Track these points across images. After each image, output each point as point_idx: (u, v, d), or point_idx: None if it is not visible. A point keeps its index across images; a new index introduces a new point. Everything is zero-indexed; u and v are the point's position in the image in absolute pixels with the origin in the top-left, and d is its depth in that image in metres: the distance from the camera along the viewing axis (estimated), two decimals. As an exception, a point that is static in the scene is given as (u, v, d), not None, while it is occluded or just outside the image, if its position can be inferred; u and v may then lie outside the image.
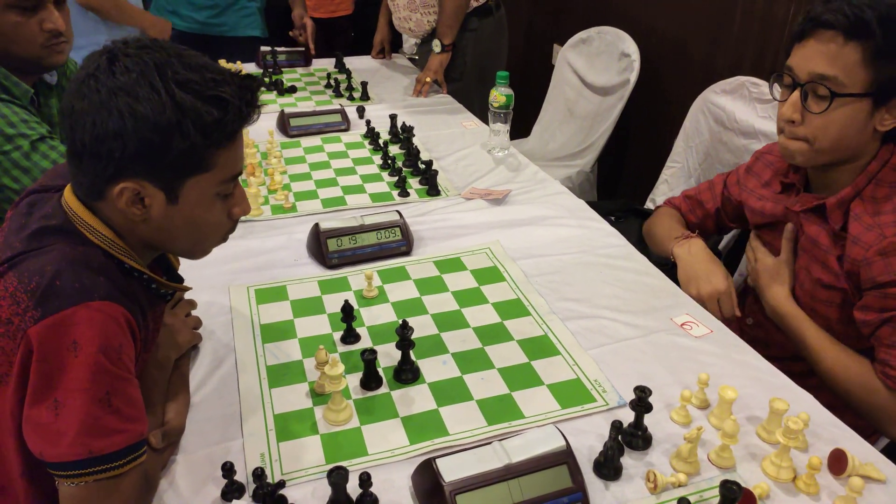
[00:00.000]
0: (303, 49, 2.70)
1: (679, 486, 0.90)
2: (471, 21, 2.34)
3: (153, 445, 0.88)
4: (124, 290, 0.82)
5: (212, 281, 1.30)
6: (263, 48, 2.59)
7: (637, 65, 2.50)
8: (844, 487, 0.88)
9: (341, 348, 1.15)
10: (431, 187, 1.68)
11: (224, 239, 0.94)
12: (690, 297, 1.29)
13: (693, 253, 1.35)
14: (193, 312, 1.16)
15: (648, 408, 0.95)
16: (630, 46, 2.55)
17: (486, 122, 2.12)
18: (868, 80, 1.07)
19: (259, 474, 0.85)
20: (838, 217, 1.16)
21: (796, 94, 1.13)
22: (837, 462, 0.92)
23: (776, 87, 1.19)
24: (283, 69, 2.57)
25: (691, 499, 0.84)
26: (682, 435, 0.95)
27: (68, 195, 0.85)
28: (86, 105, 0.77)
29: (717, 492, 0.86)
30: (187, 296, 1.15)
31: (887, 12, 1.05)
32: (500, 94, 1.82)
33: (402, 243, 1.41)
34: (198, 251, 0.93)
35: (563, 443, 0.88)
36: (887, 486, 0.91)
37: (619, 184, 2.99)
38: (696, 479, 0.92)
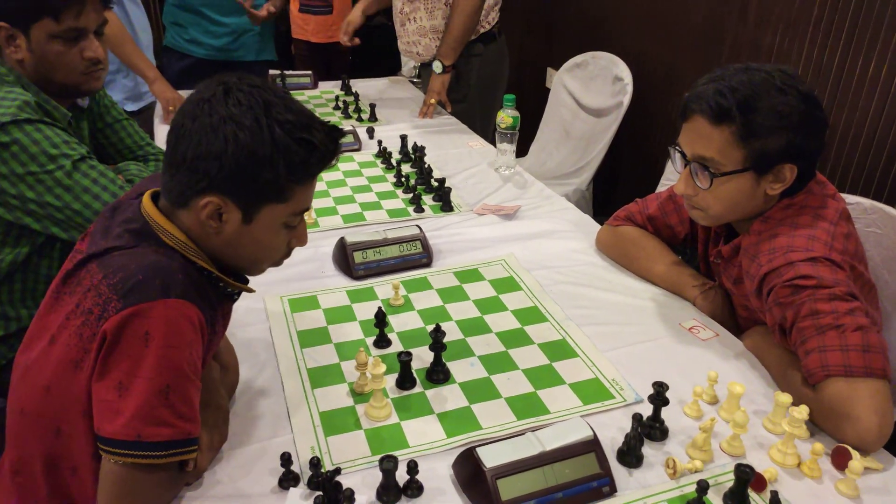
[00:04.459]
0: (309, 73, 2.80)
1: (696, 471, 0.99)
2: (476, 47, 2.45)
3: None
4: (199, 290, 0.91)
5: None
6: (272, 72, 2.69)
7: (630, 88, 2.63)
8: (845, 471, 0.97)
9: (375, 352, 1.23)
10: (445, 203, 1.77)
11: (278, 264, 1.03)
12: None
13: (720, 306, 1.36)
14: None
15: (666, 401, 1.04)
16: (623, 71, 2.67)
17: (490, 143, 2.23)
18: (742, 157, 1.16)
19: (315, 463, 0.92)
20: (736, 261, 1.27)
21: (687, 170, 1.24)
22: (841, 457, 1.00)
23: (676, 157, 1.26)
24: (291, 91, 2.66)
25: (709, 482, 0.92)
26: (697, 426, 1.04)
27: (146, 202, 0.94)
28: (196, 126, 0.87)
29: (730, 476, 0.95)
30: (250, 299, 1.21)
31: (749, 95, 1.13)
32: (507, 116, 1.92)
33: (424, 255, 1.50)
34: (255, 270, 1.02)
35: (591, 433, 0.97)
36: (883, 472, 1.00)
37: (613, 201, 3.09)
38: (711, 466, 1.00)
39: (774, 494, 0.89)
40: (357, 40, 2.68)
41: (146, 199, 0.95)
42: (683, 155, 1.24)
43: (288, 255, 1.03)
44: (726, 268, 1.31)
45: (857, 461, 0.95)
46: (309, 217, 1.68)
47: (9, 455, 0.98)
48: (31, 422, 0.94)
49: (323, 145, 0.91)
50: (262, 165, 0.87)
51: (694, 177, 1.22)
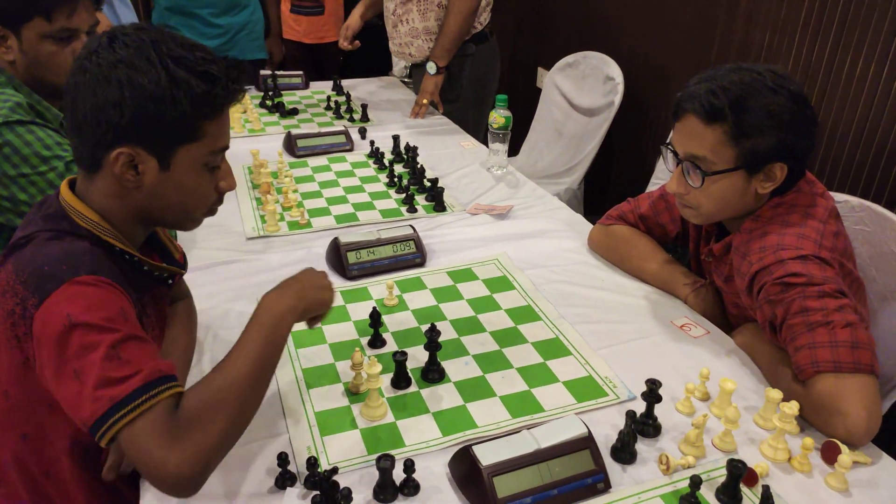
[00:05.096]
0: (300, 73, 2.80)
1: (688, 467, 1.00)
2: (468, 47, 2.46)
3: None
4: (112, 272, 0.88)
5: (240, 293, 1.38)
6: (263, 72, 2.69)
7: (621, 87, 2.64)
8: (834, 465, 0.98)
9: (369, 352, 1.23)
10: (438, 203, 1.77)
11: (212, 212, 1.01)
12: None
13: (710, 303, 1.38)
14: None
15: (659, 398, 1.05)
16: (614, 70, 2.69)
17: (482, 143, 2.24)
18: (734, 155, 1.17)
19: (312, 463, 0.93)
20: (727, 259, 1.28)
21: (679, 169, 1.25)
22: (830, 451, 1.02)
23: (669, 156, 1.28)
24: (282, 92, 2.67)
25: (701, 477, 0.94)
26: (690, 422, 1.05)
27: (62, 187, 0.94)
28: (87, 79, 0.86)
29: (722, 471, 0.97)
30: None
31: (741, 95, 1.15)
32: (499, 116, 1.93)
33: (417, 255, 1.50)
34: (187, 221, 1.00)
35: (585, 430, 0.98)
36: (871, 466, 1.02)
37: (605, 200, 3.12)
38: (703, 462, 1.02)
39: (766, 489, 0.90)
40: (357, 43, 2.69)
41: (63, 184, 0.95)
42: (676, 154, 1.25)
43: (220, 201, 1.01)
44: (717, 266, 1.33)
45: (846, 455, 0.96)
46: (302, 218, 1.68)
47: None
48: None
49: (224, 75, 0.90)
50: (164, 104, 0.85)
51: (686, 175, 1.24)
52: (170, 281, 1.03)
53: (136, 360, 0.80)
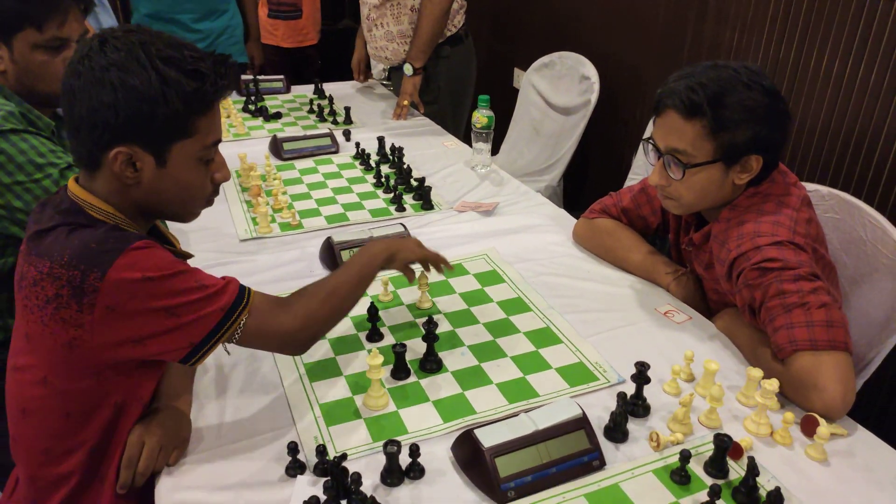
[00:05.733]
0: (281, 77, 2.83)
1: (677, 443, 1.06)
2: (443, 49, 2.51)
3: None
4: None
5: (237, 292, 1.41)
6: (244, 77, 2.71)
7: (597, 87, 2.71)
8: (813, 437, 1.05)
9: (368, 346, 1.27)
10: (426, 202, 1.82)
11: (209, 203, 1.06)
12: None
13: (692, 291, 1.44)
14: None
15: (647, 380, 1.11)
16: (590, 70, 2.76)
17: (463, 142, 2.29)
18: (712, 148, 1.24)
19: (322, 450, 0.97)
20: (707, 247, 1.35)
21: (660, 162, 1.31)
22: (809, 425, 1.08)
23: (649, 150, 1.34)
24: (264, 96, 2.69)
25: (690, 451, 0.99)
26: (677, 401, 1.11)
27: (71, 183, 0.98)
28: (81, 82, 0.90)
29: (710, 446, 1.03)
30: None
31: (718, 91, 1.20)
32: (482, 116, 1.98)
33: (409, 252, 1.54)
34: (186, 213, 1.06)
35: (580, 411, 1.03)
36: (848, 437, 1.09)
37: (584, 196, 3.19)
38: (691, 438, 1.08)
39: (752, 460, 0.96)
40: (372, 75, 2.91)
41: (71, 181, 0.99)
42: (657, 148, 1.31)
43: (216, 192, 1.06)
44: (697, 254, 1.39)
45: (824, 428, 1.03)
46: (294, 219, 1.71)
47: (28, 460, 1.01)
48: (36, 419, 0.98)
49: (212, 72, 0.93)
50: (156, 104, 0.89)
51: (667, 168, 1.30)
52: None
53: (215, 281, 0.98)
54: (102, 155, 0.92)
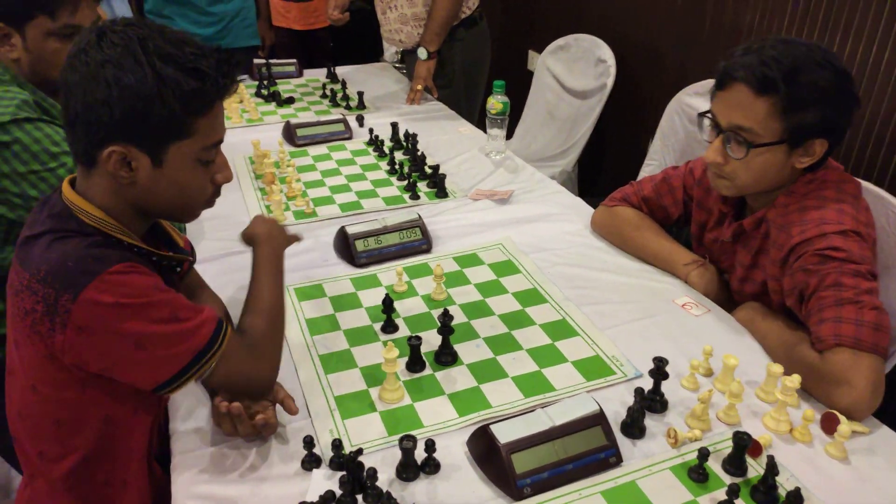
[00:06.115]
0: (293, 61, 2.80)
1: (695, 440, 1.05)
2: (458, 32, 2.47)
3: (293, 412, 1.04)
4: (130, 259, 0.92)
5: (251, 282, 1.41)
6: (257, 60, 2.69)
7: (613, 70, 2.67)
8: (833, 435, 1.03)
9: (383, 337, 1.27)
10: (440, 190, 1.80)
11: (209, 204, 1.02)
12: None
13: (712, 281, 1.41)
14: None
15: (665, 375, 1.09)
16: (606, 52, 2.71)
17: (476, 126, 2.27)
18: (780, 129, 1.19)
19: (337, 445, 0.97)
20: (757, 233, 1.31)
21: (719, 139, 1.25)
22: (830, 422, 1.07)
23: (705, 125, 1.29)
24: (277, 81, 2.67)
25: (709, 449, 0.98)
26: (696, 397, 1.10)
27: (65, 186, 0.95)
28: (77, 77, 0.87)
29: (728, 444, 1.01)
30: (200, 270, 1.27)
31: (791, 68, 1.16)
32: (497, 102, 1.96)
33: (423, 242, 1.54)
34: (185, 214, 1.02)
35: (597, 407, 1.02)
36: (869, 435, 1.07)
37: (599, 182, 3.15)
38: (710, 435, 1.06)
39: (771, 458, 0.94)
40: (347, 15, 2.62)
41: (65, 183, 0.96)
42: (717, 124, 1.25)
43: (217, 192, 1.01)
44: (746, 240, 1.35)
45: (845, 425, 1.01)
46: (308, 207, 1.71)
47: (26, 461, 1.01)
48: (29, 423, 0.98)
49: (214, 70, 0.90)
50: (152, 103, 0.86)
51: (726, 146, 1.24)
52: (178, 269, 1.06)
53: (193, 315, 0.94)
54: (97, 153, 0.89)
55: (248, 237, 1.20)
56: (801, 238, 1.20)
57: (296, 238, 1.26)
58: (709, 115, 1.28)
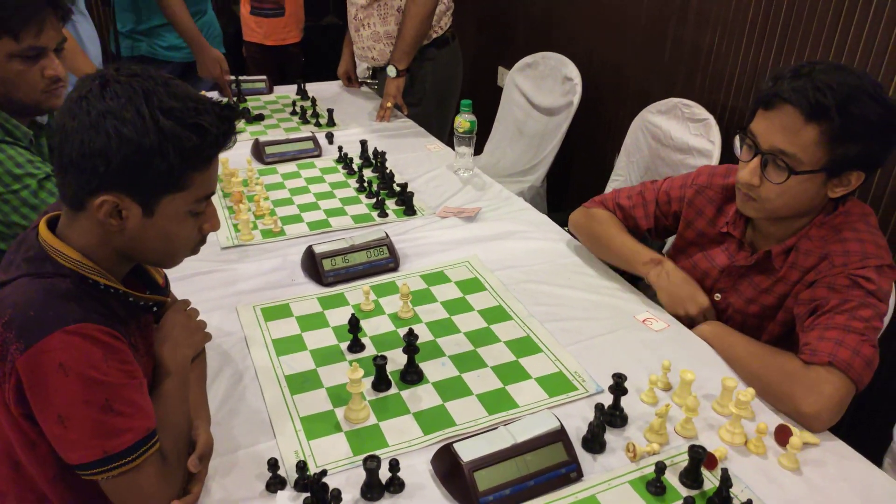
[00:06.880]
0: (264, 77, 2.81)
1: (653, 454, 1.07)
2: (429, 51, 2.51)
3: (192, 470, 0.95)
4: (98, 310, 0.90)
5: (218, 303, 1.42)
6: (227, 77, 2.69)
7: (579, 88, 2.72)
8: (786, 447, 1.07)
9: (349, 357, 1.28)
10: (408, 208, 1.82)
11: (195, 251, 1.01)
12: (676, 317, 1.40)
13: (672, 279, 1.43)
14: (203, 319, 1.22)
15: (625, 391, 1.12)
16: (572, 71, 2.77)
17: (447, 145, 2.29)
18: (824, 158, 1.17)
19: (302, 466, 0.98)
20: (781, 261, 1.31)
21: (756, 160, 1.22)
22: (783, 434, 1.10)
23: (739, 143, 1.27)
24: (246, 97, 2.67)
25: (665, 462, 1.01)
26: (654, 412, 1.13)
27: (41, 227, 0.93)
28: (76, 124, 0.85)
29: (685, 457, 1.04)
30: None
31: (846, 97, 1.13)
32: (464, 121, 1.99)
33: (390, 260, 1.55)
34: (168, 262, 1.02)
35: (558, 424, 1.04)
36: (820, 447, 1.11)
37: (567, 197, 3.20)
38: (667, 448, 1.09)
39: (725, 471, 0.97)
40: (357, 83, 2.87)
41: (41, 223, 0.94)
42: (755, 144, 1.23)
43: (203, 241, 1.01)
44: (764, 266, 1.34)
45: (797, 437, 1.05)
46: (276, 226, 1.71)
47: None
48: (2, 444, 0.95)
49: (214, 127, 0.89)
50: (152, 157, 0.85)
51: (763, 168, 1.22)
52: (154, 308, 1.05)
53: (128, 413, 0.87)
54: (88, 199, 0.88)
55: (160, 330, 1.12)
56: (845, 269, 1.21)
57: (208, 338, 1.19)
58: (749, 135, 1.24)
